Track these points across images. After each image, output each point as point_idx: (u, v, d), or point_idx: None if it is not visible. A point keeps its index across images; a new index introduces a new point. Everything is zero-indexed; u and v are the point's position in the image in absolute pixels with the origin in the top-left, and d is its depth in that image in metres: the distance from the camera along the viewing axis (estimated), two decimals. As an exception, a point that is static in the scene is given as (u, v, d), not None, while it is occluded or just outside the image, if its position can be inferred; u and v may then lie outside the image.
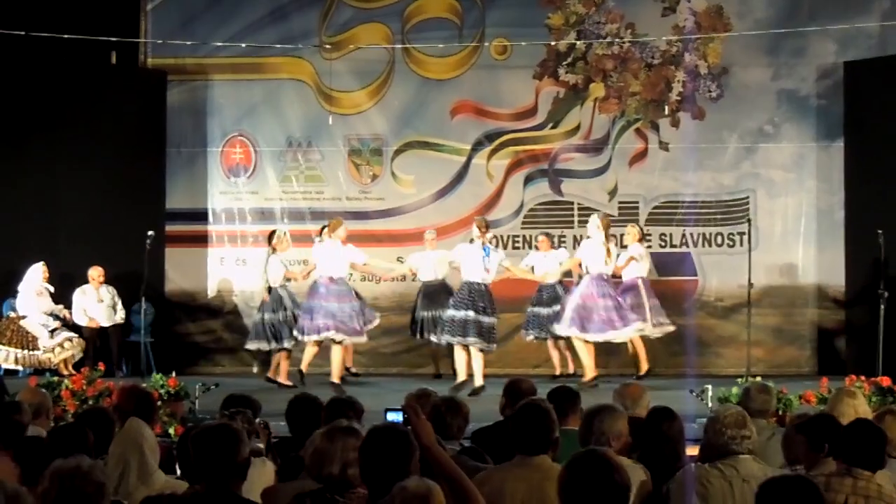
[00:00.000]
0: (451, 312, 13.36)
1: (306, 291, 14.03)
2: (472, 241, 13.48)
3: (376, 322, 14.61)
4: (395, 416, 4.87)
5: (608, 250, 13.85)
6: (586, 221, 16.14)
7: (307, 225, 16.71)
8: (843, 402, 7.07)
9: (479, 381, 13.13)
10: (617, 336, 13.92)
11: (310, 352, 13.82)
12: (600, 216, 14.20)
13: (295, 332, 13.86)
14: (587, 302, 13.76)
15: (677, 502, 5.50)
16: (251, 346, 14.74)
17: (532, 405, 5.48)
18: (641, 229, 15.21)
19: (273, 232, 14.81)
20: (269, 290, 14.42)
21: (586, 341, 13.78)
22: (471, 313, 13.20)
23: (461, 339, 13.22)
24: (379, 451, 4.40)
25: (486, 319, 13.24)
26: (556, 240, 16.13)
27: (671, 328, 14.77)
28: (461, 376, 13.26)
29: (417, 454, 4.44)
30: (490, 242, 13.53)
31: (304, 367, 13.79)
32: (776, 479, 4.35)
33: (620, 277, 14.54)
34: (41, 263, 14.79)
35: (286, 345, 14.21)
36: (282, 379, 14.03)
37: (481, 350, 13.23)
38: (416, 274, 15.36)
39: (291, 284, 14.66)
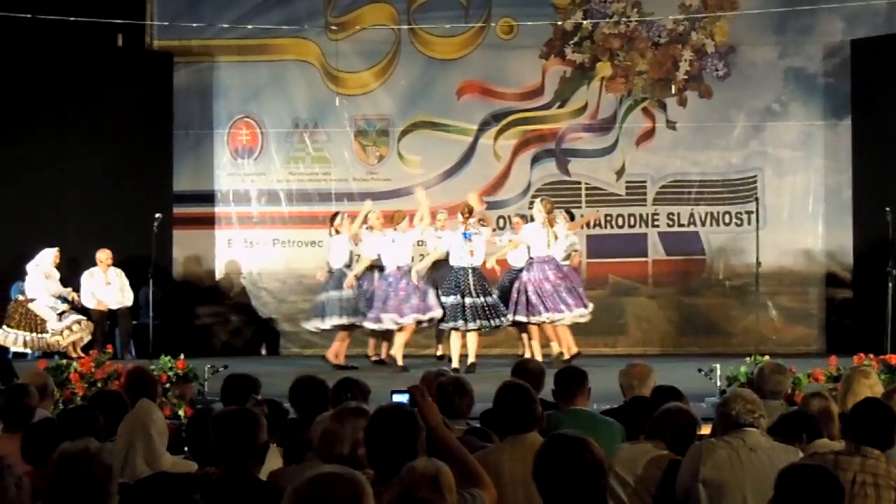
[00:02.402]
0: (453, 299, 13.58)
1: (376, 280, 14.01)
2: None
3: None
4: (401, 399, 4.87)
5: (554, 234, 13.74)
6: (594, 201, 16.30)
7: (314, 206, 16.75)
8: (858, 381, 7.06)
9: (472, 358, 13.59)
10: (563, 318, 13.78)
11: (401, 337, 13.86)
12: (542, 201, 14.08)
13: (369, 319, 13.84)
14: (537, 286, 13.72)
15: (685, 476, 5.52)
16: (323, 324, 14.27)
17: (510, 385, 5.61)
18: (571, 215, 14.95)
19: (336, 213, 14.64)
20: (330, 270, 14.31)
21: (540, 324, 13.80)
22: (460, 299, 13.54)
23: (452, 324, 13.59)
24: (385, 432, 4.40)
25: (471, 300, 13.52)
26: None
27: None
28: (455, 362, 13.47)
29: (424, 435, 4.45)
30: (471, 227, 13.68)
31: (398, 354, 13.81)
32: (797, 467, 4.32)
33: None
34: (55, 249, 14.80)
35: (352, 322, 14.08)
36: (337, 359, 14.07)
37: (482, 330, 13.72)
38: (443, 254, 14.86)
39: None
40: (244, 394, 6.76)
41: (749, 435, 5.58)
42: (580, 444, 4.12)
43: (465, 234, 13.58)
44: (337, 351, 14.12)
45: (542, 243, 13.67)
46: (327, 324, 14.16)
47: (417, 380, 7.31)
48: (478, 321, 13.50)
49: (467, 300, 13.49)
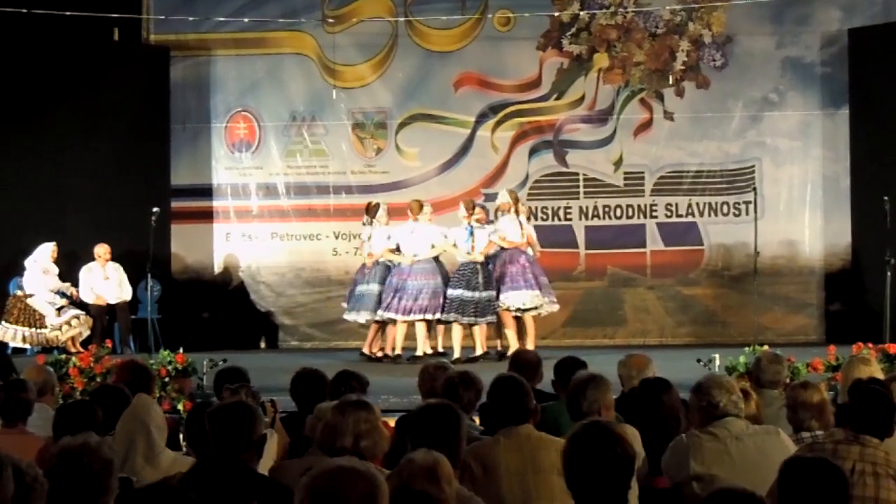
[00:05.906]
0: (449, 291, 13.67)
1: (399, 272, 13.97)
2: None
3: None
4: None
5: (520, 223, 13.84)
6: (592, 193, 16.30)
7: (312, 199, 16.74)
8: (858, 369, 7.07)
9: (457, 352, 13.63)
10: (533, 299, 13.85)
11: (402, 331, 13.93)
12: (508, 191, 14.17)
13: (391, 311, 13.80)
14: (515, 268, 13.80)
15: (673, 469, 5.51)
16: (361, 317, 14.31)
17: (504, 378, 5.63)
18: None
19: (377, 204, 14.50)
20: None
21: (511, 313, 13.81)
22: (465, 292, 13.57)
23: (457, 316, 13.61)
24: (428, 429, 4.63)
25: (477, 295, 13.54)
26: (562, 211, 16.31)
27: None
28: (457, 353, 13.58)
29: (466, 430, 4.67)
30: (476, 221, 13.79)
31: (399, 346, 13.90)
32: (801, 459, 4.29)
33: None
34: (52, 244, 14.79)
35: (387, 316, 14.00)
36: (378, 350, 14.12)
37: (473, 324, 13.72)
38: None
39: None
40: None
41: (730, 424, 5.55)
42: (612, 436, 4.10)
43: (468, 228, 13.66)
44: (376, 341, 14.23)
45: (517, 233, 13.79)
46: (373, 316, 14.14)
47: (416, 370, 7.33)
48: (478, 316, 13.57)
49: (468, 294, 13.54)
